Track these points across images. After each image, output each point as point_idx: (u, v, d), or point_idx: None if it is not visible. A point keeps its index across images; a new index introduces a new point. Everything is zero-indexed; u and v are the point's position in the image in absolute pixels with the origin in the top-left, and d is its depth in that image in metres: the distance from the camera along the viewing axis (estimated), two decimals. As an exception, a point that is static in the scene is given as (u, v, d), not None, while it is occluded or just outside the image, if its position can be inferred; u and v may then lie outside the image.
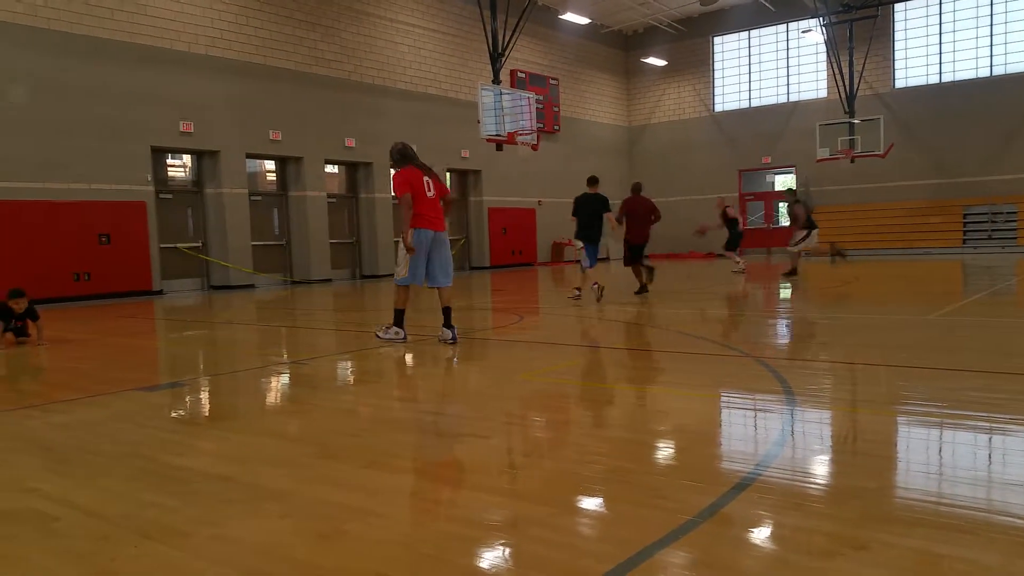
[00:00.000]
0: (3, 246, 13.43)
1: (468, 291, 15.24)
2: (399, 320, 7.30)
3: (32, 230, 13.78)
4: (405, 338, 7.30)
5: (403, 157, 7.18)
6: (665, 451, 3.55)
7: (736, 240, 16.87)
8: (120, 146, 14.97)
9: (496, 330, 8.78)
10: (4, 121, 13.45)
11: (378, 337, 7.38)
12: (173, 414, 4.76)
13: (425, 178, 7.13)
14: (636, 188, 11.98)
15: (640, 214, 11.57)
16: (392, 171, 7.42)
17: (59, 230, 14.13)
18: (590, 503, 2.80)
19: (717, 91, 28.30)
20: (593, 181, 11.45)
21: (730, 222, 16.75)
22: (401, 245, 7.05)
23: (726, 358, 6.05)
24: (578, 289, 11.19)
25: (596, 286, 10.85)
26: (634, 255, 11.70)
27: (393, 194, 6.84)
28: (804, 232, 15.09)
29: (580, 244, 11.19)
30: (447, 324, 7.18)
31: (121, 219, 15.02)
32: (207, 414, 4.86)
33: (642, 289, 11.61)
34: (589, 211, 11.03)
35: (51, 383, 6.26)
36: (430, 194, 7.14)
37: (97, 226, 14.67)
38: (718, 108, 28.27)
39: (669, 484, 2.98)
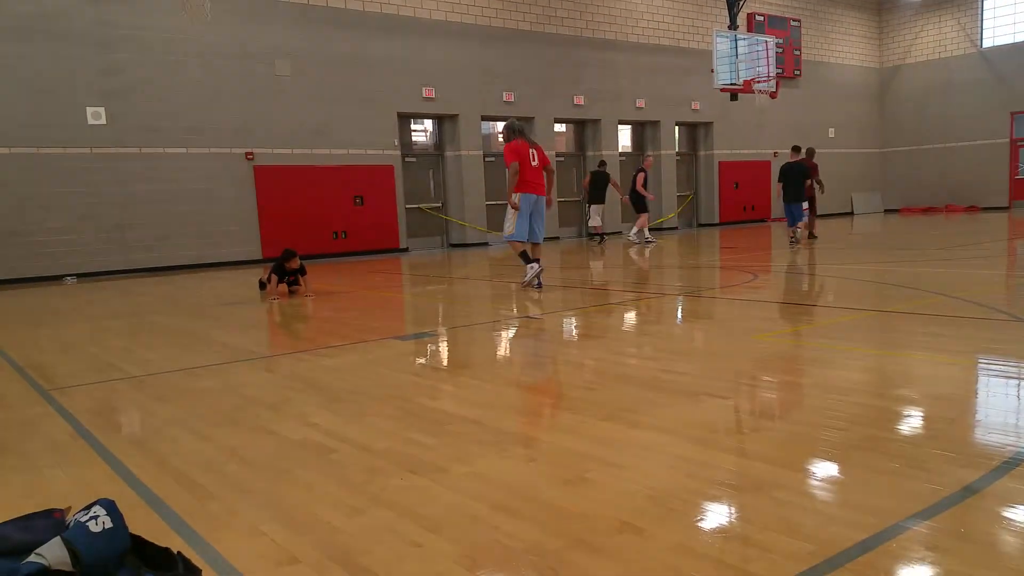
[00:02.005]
0: (279, 207, 15.18)
1: (696, 248, 14.90)
2: (527, 259, 8.60)
3: (301, 192, 15.43)
4: (539, 268, 8.55)
5: (512, 132, 8.49)
6: (919, 420, 3.27)
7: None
8: (372, 113, 16.24)
9: (726, 288, 8.51)
10: (276, 92, 15.07)
11: (524, 283, 8.61)
12: (423, 361, 5.16)
13: (531, 150, 8.43)
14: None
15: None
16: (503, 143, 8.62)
17: (322, 192, 15.69)
18: (838, 469, 2.66)
19: (987, 24, 24.85)
20: (797, 150, 13.81)
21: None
22: (509, 205, 8.47)
23: (989, 321, 5.42)
24: (807, 234, 13.90)
25: (793, 239, 13.27)
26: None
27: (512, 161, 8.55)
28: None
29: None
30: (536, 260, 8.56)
31: (373, 182, 16.36)
32: (453, 362, 5.21)
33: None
34: (794, 177, 13.32)
35: (319, 330, 7.02)
36: (534, 163, 8.41)
37: (353, 188, 16.10)
38: (987, 44, 24.81)
39: (925, 455, 2.75)
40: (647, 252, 14.20)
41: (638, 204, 16.21)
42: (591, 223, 16.87)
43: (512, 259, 9.57)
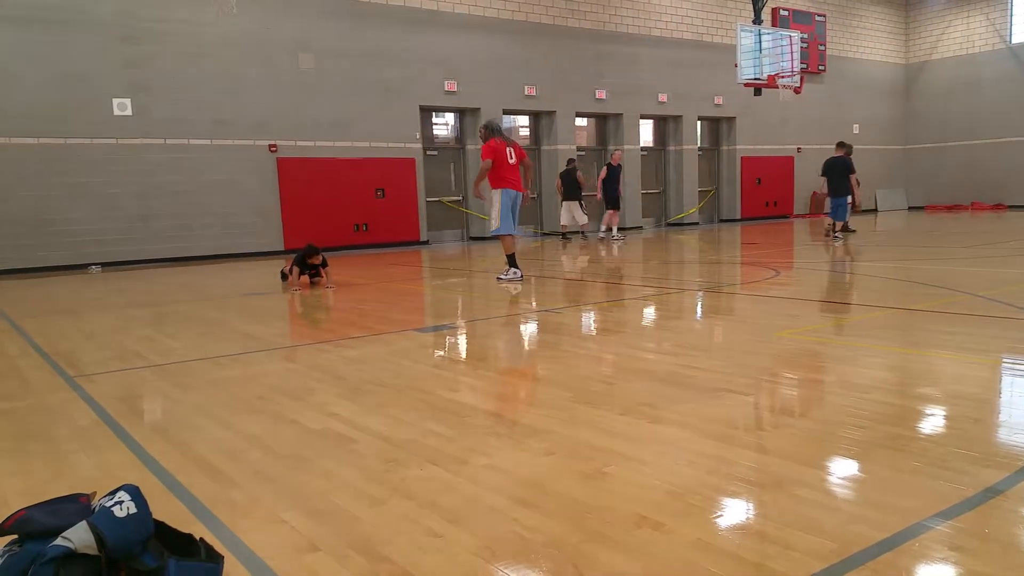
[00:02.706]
0: (301, 198, 15.27)
1: (717, 244, 14.81)
2: (513, 262, 8.96)
3: (323, 184, 15.51)
4: (522, 276, 8.94)
5: (490, 131, 8.82)
6: (942, 419, 3.24)
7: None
8: (394, 106, 16.28)
9: (748, 285, 8.46)
10: (299, 85, 15.14)
11: (499, 279, 8.92)
12: (442, 353, 5.18)
13: (508, 148, 8.73)
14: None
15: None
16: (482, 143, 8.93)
17: (343, 185, 15.77)
18: (860, 468, 2.64)
19: (1016, 19, 24.41)
20: (841, 145, 13.93)
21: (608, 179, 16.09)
22: (494, 200, 8.79)
23: (1016, 321, 5.35)
24: (832, 231, 13.92)
25: (832, 230, 13.80)
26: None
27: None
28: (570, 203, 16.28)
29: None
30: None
31: (394, 175, 16.41)
32: (472, 354, 5.22)
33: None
34: (836, 171, 13.60)
35: (340, 321, 7.06)
36: (511, 161, 8.75)
37: (374, 181, 16.16)
38: (1016, 39, 24.40)
39: (948, 454, 2.72)
40: (595, 244, 14.50)
41: (607, 199, 16.25)
42: (562, 220, 16.64)
43: (530, 252, 9.57)
